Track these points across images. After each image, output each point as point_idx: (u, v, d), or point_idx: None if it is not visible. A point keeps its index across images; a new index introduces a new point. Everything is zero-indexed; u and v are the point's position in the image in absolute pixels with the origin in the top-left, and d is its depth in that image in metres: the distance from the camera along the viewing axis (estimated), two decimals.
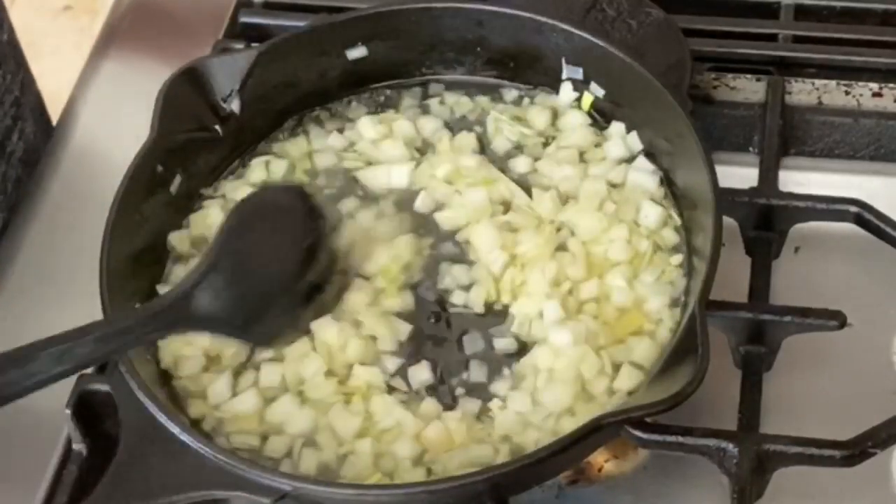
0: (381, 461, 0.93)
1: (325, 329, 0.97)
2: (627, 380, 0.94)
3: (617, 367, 0.95)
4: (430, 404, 0.95)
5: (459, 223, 1.04)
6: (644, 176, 1.04)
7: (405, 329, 0.98)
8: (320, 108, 1.12)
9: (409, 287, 1.01)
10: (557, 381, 0.95)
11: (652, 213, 1.02)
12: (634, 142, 1.06)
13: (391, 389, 0.96)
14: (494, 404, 0.95)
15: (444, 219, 1.04)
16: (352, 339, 0.97)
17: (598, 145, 1.07)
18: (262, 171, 1.07)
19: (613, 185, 1.04)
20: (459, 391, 0.96)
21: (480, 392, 0.96)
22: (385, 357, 0.97)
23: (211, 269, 0.91)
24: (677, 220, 1.02)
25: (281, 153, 1.09)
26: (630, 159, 1.06)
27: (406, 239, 1.02)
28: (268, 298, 0.92)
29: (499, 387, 0.96)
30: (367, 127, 1.09)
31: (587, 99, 1.09)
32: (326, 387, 0.96)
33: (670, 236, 1.02)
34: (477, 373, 0.97)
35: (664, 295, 0.98)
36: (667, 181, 1.04)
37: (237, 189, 1.07)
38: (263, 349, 0.96)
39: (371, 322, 0.98)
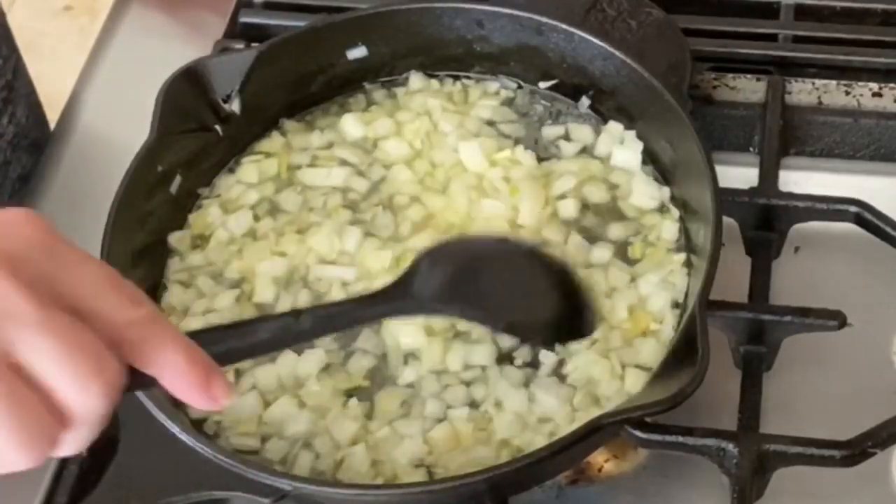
0: (381, 464, 0.93)
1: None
2: (634, 383, 0.94)
3: (623, 369, 0.95)
4: (434, 405, 0.95)
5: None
6: (630, 155, 1.05)
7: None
8: (319, 107, 1.12)
9: None
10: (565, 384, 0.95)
11: (644, 191, 1.03)
12: (632, 140, 1.06)
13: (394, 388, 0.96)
14: (490, 405, 0.95)
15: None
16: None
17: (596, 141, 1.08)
18: (253, 169, 1.08)
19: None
20: (461, 391, 0.96)
21: (482, 392, 0.96)
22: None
23: (423, 258, 0.89)
24: (675, 212, 1.03)
25: (273, 152, 1.09)
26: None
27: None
28: (491, 281, 0.90)
29: (499, 388, 0.96)
30: (351, 126, 1.09)
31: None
32: (325, 387, 0.96)
33: (670, 229, 1.02)
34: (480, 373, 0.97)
35: (667, 294, 0.98)
36: (666, 181, 1.05)
37: (231, 187, 1.07)
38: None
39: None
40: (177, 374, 0.68)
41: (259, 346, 0.79)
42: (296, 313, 0.83)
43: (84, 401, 0.64)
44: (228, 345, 0.76)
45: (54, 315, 0.63)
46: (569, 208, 1.03)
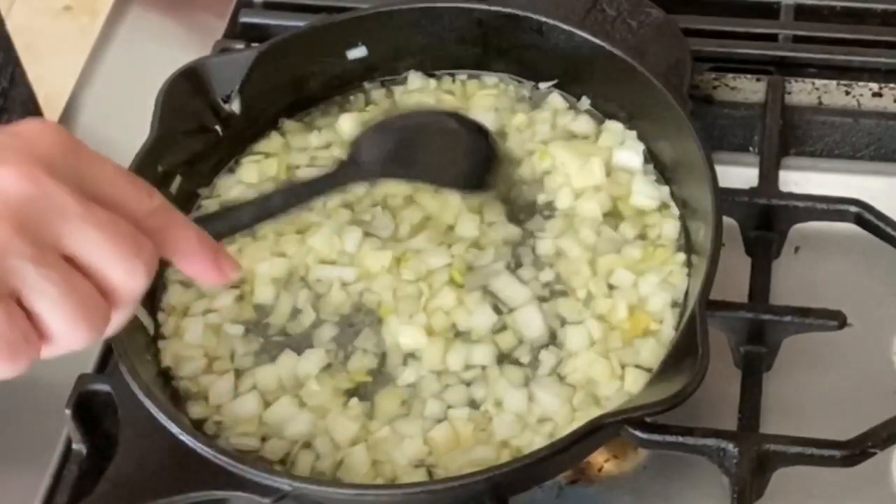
0: (381, 464, 0.93)
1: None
2: (634, 383, 0.94)
3: (623, 369, 0.95)
4: (434, 405, 0.95)
5: None
6: (631, 155, 1.05)
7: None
8: (319, 108, 1.12)
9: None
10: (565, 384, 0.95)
11: (645, 191, 1.03)
12: (633, 140, 1.06)
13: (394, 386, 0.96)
14: (490, 405, 0.95)
15: None
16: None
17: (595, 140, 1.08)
18: (253, 169, 1.08)
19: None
20: (461, 391, 0.96)
21: (482, 392, 0.96)
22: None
23: (363, 137, 1.01)
24: (676, 212, 1.03)
25: (272, 152, 1.09)
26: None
27: None
28: (424, 145, 1.02)
29: (498, 388, 0.96)
30: (348, 126, 1.09)
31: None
32: (325, 387, 0.96)
33: (671, 229, 1.02)
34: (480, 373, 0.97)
35: (667, 295, 0.98)
36: (666, 181, 1.05)
37: (231, 187, 1.07)
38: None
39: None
40: (191, 255, 0.76)
41: (247, 223, 0.89)
42: (266, 196, 0.94)
43: (130, 280, 0.71)
44: (223, 225, 0.86)
45: (93, 208, 0.70)
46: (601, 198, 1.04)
